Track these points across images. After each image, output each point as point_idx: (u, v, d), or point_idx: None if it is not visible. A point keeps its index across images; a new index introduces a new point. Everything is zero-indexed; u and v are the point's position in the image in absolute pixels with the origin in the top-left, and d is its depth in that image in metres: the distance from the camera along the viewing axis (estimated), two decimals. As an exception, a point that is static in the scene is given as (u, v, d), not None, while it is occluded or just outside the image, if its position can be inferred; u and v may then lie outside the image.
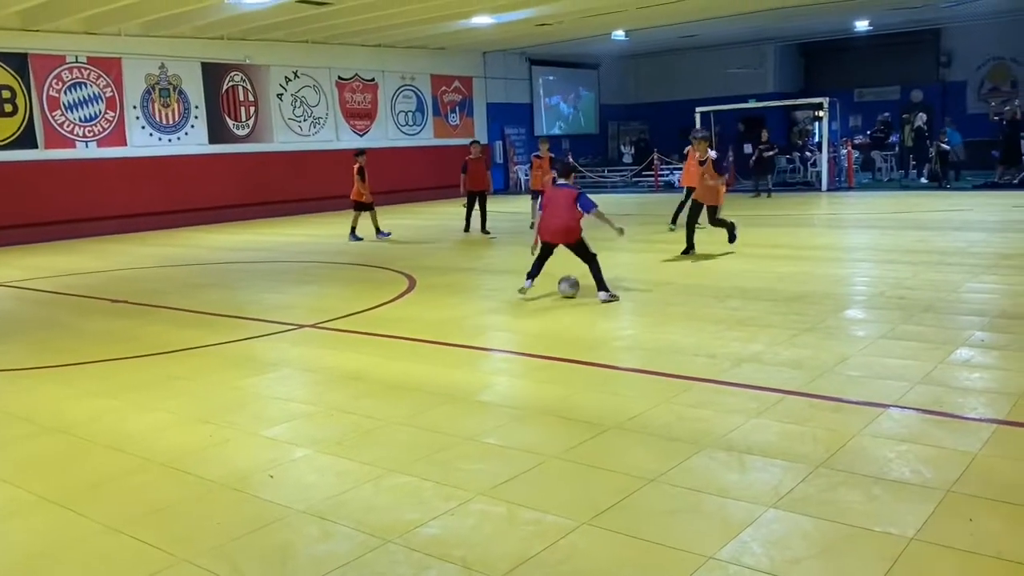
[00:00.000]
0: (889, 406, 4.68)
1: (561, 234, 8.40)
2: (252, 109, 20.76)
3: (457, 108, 25.77)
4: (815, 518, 3.36)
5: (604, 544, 3.24)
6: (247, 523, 3.56)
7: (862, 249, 11.61)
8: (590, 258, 8.32)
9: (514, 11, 18.61)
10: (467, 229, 15.16)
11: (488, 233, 14.80)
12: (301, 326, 7.66)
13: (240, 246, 15.02)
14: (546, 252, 8.62)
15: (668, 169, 24.46)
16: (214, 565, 3.19)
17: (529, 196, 15.95)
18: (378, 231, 14.91)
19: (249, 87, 20.64)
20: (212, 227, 18.72)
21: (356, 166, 14.72)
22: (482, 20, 19.31)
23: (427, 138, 24.90)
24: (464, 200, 15.20)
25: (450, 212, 20.53)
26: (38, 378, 6.35)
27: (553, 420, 4.72)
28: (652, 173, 24.51)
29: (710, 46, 27.35)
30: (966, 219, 13.89)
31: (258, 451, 4.49)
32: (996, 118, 21.82)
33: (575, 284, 8.42)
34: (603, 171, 27.30)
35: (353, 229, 14.91)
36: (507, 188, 25.96)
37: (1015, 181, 19.09)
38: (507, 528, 3.40)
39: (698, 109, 22.35)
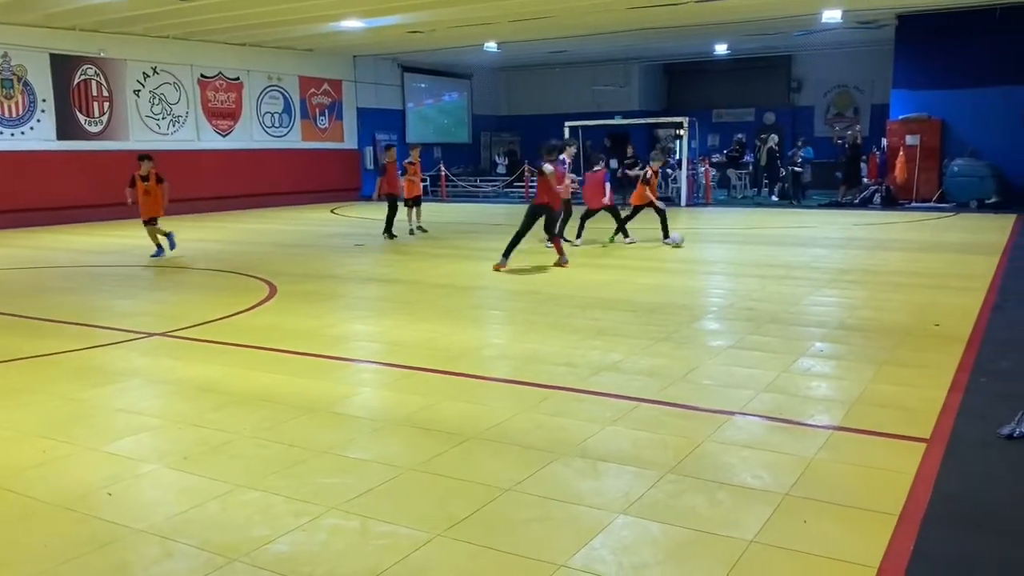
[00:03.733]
0: (735, 413, 4.90)
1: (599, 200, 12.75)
2: (106, 105, 19.68)
3: (326, 111, 25.31)
4: (663, 523, 3.47)
5: (457, 555, 3.23)
6: (80, 545, 3.33)
7: (716, 262, 12.15)
8: (622, 219, 13.20)
9: (385, 16, 18.47)
10: (390, 233, 14.94)
11: (425, 231, 15.54)
12: (151, 334, 7.29)
13: (90, 248, 14.19)
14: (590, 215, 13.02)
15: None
16: (40, 592, 2.98)
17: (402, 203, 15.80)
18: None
19: (103, 81, 19.56)
20: (60, 228, 17.61)
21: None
22: (352, 24, 19.07)
23: (294, 141, 24.33)
24: (384, 203, 15.26)
25: (315, 217, 20.13)
26: None
27: (412, 431, 4.68)
28: (523, 184, 24.85)
29: (579, 63, 28.06)
30: (812, 235, 14.79)
31: (98, 467, 4.23)
32: (839, 142, 23.38)
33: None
34: (476, 180, 27.47)
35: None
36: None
37: (855, 201, 20.50)
38: (359, 543, 3.33)
39: (567, 123, 22.84)
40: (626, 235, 13.36)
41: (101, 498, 3.81)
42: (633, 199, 13.96)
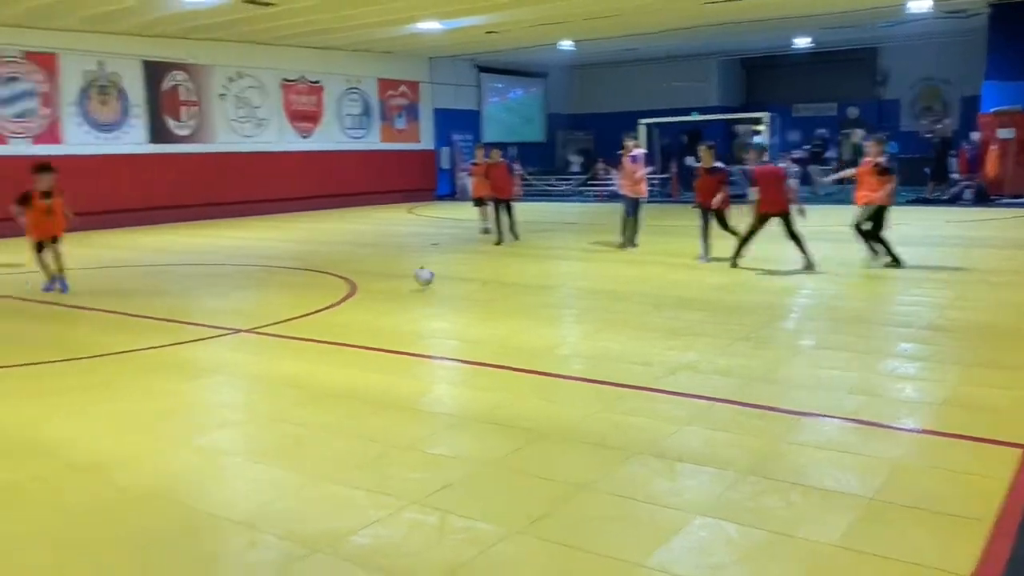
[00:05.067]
0: (816, 414, 4.79)
1: (777, 205, 9.97)
2: (194, 109, 20.39)
3: (404, 112, 25.68)
4: (740, 524, 3.42)
5: (535, 552, 3.25)
6: (172, 532, 3.48)
7: (799, 260, 11.85)
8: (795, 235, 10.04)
9: (462, 17, 18.63)
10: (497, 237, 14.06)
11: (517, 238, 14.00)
12: (237, 331, 7.53)
13: (178, 248, 14.72)
14: (762, 222, 10.20)
15: (612, 180, 24.71)
16: (136, 573, 3.11)
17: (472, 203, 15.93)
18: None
19: (191, 86, 20.27)
20: (149, 228, 18.31)
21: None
22: (430, 26, 19.30)
23: (373, 142, 24.76)
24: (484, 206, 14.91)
25: (392, 217, 20.45)
26: (-41, 382, 6.13)
27: (490, 428, 4.73)
28: (598, 183, 24.74)
29: (654, 59, 27.76)
30: (899, 233, 14.31)
31: (187, 459, 4.40)
32: (928, 136, 22.55)
33: (429, 278, 9.33)
34: (550, 180, 27.47)
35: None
36: (455, 194, 25.93)
37: (945, 197, 19.76)
38: (438, 537, 3.39)
39: (641, 120, 22.63)
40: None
41: (191, 488, 3.96)
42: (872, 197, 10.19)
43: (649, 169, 12.82)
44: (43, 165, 9.78)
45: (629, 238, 12.42)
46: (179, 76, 20.00)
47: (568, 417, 4.84)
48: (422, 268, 9.49)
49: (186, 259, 13.16)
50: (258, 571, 3.14)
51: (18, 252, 11.91)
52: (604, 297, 8.89)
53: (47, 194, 9.63)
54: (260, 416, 5.12)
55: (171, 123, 19.96)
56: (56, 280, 9.85)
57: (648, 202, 12.93)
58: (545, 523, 3.48)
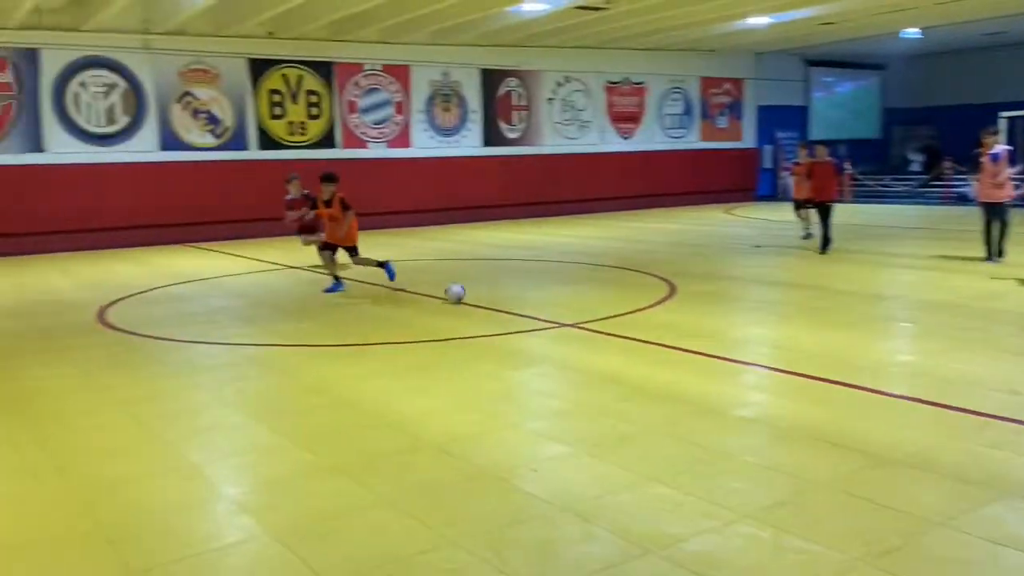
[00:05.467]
0: None
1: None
2: (524, 113, 21.58)
3: (726, 110, 25.13)
4: None
5: (883, 588, 2.97)
6: (511, 514, 3.67)
7: None
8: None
9: (793, 10, 17.80)
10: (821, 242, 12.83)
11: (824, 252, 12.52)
12: (561, 324, 7.82)
13: (506, 243, 15.66)
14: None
15: (962, 180, 22.19)
16: (479, 551, 3.32)
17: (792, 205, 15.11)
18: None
19: (522, 92, 21.48)
20: (481, 224, 19.68)
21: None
22: (758, 21, 18.68)
23: (692, 141, 24.52)
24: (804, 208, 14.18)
25: (710, 217, 20.08)
26: (330, 356, 7.02)
27: (821, 445, 4.43)
28: (943, 183, 22.36)
29: (1020, 43, 24.42)
30: None
31: (520, 444, 4.64)
32: None
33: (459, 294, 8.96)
34: (884, 180, 25.34)
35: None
36: (777, 195, 24.87)
37: None
38: (774, 555, 3.23)
39: (1004, 114, 20.01)
40: None
41: (526, 473, 4.16)
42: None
43: (1017, 169, 11.28)
44: (327, 176, 10.23)
45: (995, 248, 10.99)
46: (512, 82, 21.28)
47: (915, 442, 4.39)
48: (454, 284, 9.15)
49: (515, 254, 13.96)
50: (591, 563, 3.20)
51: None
52: (954, 312, 7.97)
53: (328, 202, 10.09)
54: (586, 409, 5.25)
55: (503, 127, 21.30)
56: (338, 283, 10.30)
57: (1014, 206, 11.34)
58: (895, 557, 3.17)
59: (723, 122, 25.12)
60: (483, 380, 6.05)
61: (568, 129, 22.37)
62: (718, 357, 6.49)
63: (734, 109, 25.31)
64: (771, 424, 4.89)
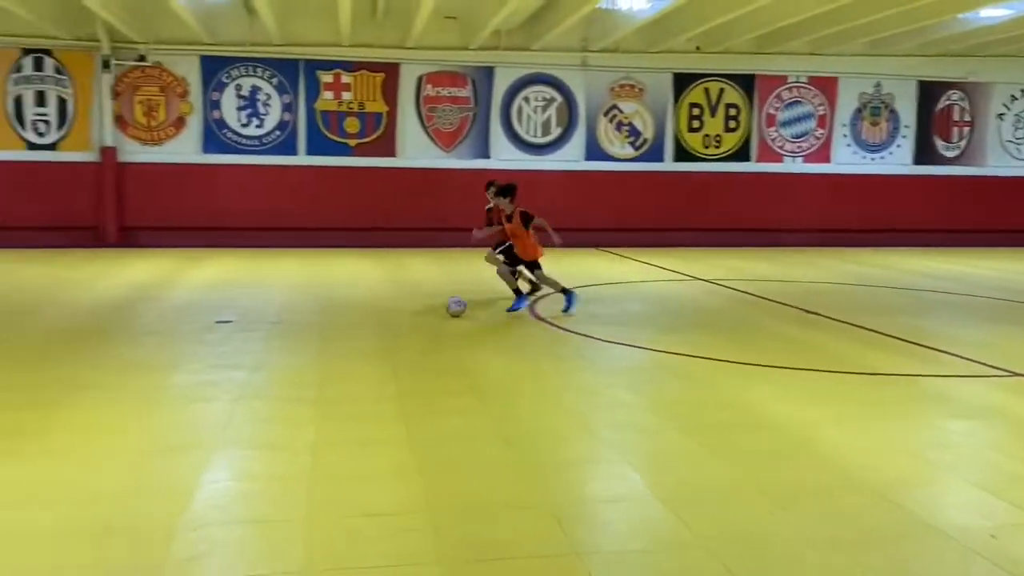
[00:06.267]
0: None
1: None
2: (966, 130, 19.41)
3: None
4: None
5: None
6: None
7: None
8: None
9: None
10: None
11: None
12: (1015, 374, 6.88)
13: (934, 274, 14.20)
14: None
15: None
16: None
17: None
18: None
19: (966, 106, 19.33)
20: (908, 250, 17.93)
21: None
22: None
23: None
24: None
25: None
26: (744, 373, 6.92)
27: None
28: None
29: None
30: None
31: (971, 503, 4.18)
32: None
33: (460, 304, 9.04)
34: None
35: None
36: None
37: None
38: None
39: None
40: None
41: (983, 538, 3.72)
42: None
43: None
44: (503, 189, 9.67)
45: None
46: (955, 95, 19.25)
47: None
48: (453, 298, 9.25)
49: (941, 286, 12.60)
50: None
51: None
52: None
53: (509, 217, 9.63)
54: (1049, 477, 4.57)
55: (939, 144, 19.37)
56: (523, 297, 9.85)
57: None
58: None
59: None
60: (915, 424, 5.57)
61: (1020, 148, 19.66)
62: None
63: None
64: None
